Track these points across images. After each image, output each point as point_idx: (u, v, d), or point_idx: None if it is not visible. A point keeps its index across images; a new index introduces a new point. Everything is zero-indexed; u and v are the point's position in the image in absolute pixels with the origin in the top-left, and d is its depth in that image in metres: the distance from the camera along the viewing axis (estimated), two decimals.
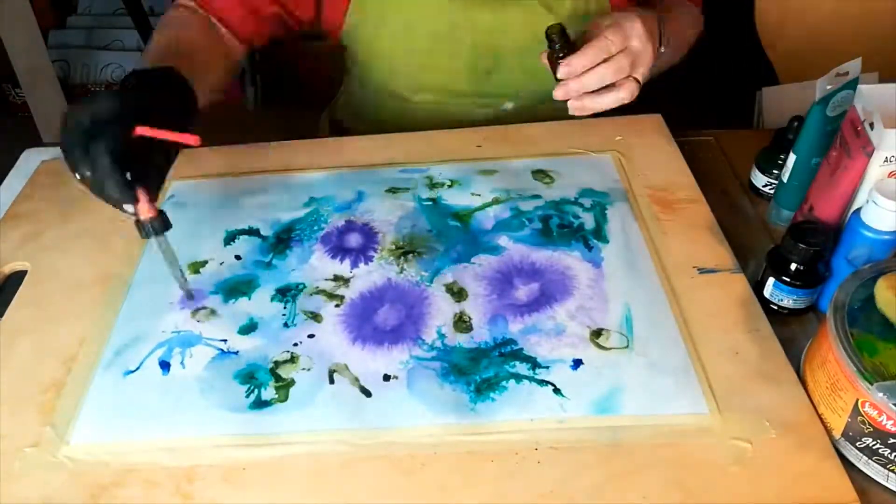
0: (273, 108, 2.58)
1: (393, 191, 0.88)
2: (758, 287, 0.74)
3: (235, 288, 0.77)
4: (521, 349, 0.69)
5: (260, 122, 2.56)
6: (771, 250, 0.74)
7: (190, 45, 0.88)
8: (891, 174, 0.69)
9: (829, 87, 0.74)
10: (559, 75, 0.80)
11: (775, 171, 0.85)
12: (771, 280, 0.73)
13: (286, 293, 0.76)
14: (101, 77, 2.61)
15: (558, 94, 0.81)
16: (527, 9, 0.94)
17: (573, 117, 0.85)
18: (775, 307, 0.74)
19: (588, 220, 0.82)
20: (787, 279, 0.72)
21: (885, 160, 0.69)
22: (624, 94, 0.81)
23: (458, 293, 0.75)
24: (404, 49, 0.99)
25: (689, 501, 0.58)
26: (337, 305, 0.75)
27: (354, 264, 0.79)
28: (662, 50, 0.84)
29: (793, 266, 0.72)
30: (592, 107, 0.82)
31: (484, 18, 0.95)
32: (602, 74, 0.79)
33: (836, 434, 0.62)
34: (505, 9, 0.95)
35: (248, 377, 0.69)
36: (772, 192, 0.86)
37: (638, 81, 0.81)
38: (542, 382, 0.66)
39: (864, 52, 0.76)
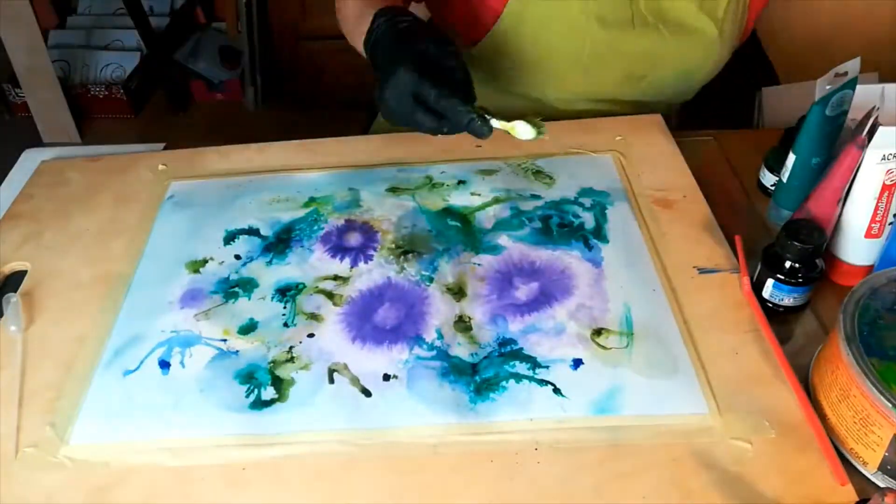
0: (273, 108, 2.58)
1: (393, 190, 0.88)
2: (755, 285, 0.75)
3: (235, 288, 0.77)
4: (521, 349, 0.69)
5: (260, 122, 2.56)
6: (766, 248, 0.74)
7: None
8: (888, 173, 0.70)
9: (828, 87, 0.74)
10: None
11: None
12: (770, 281, 0.73)
13: (286, 293, 0.76)
14: (101, 77, 2.61)
15: None
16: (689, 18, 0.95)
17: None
18: (772, 305, 0.74)
19: (588, 220, 0.82)
20: (783, 277, 0.72)
21: (883, 158, 0.69)
22: None
23: (457, 293, 0.75)
24: (566, 57, 0.97)
25: (689, 501, 0.58)
26: (336, 305, 0.75)
27: (354, 263, 0.79)
28: None
29: (788, 264, 0.72)
30: None
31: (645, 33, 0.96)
32: None
33: (872, 469, 0.60)
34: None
35: (248, 377, 0.69)
36: None
37: None
38: (542, 382, 0.66)
39: (864, 52, 0.76)
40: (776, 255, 0.72)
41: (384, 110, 0.76)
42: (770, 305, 0.74)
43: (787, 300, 0.73)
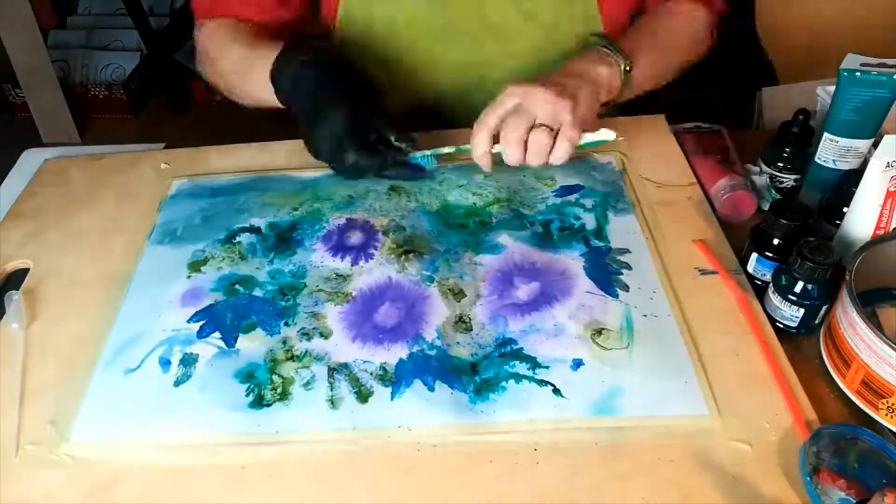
0: (273, 108, 2.58)
1: (394, 190, 0.88)
2: (742, 261, 0.77)
3: (236, 286, 0.77)
4: (521, 349, 0.69)
5: (260, 121, 2.55)
6: (754, 227, 0.76)
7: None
8: (892, 180, 0.70)
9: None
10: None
11: (780, 165, 0.85)
12: (754, 255, 0.74)
13: (287, 291, 0.76)
14: (101, 77, 2.61)
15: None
16: (508, 22, 0.95)
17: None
18: (760, 283, 0.75)
19: (589, 221, 0.82)
20: (770, 254, 0.73)
21: (888, 165, 0.69)
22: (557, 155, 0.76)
23: (458, 293, 0.75)
24: (389, 67, 0.99)
25: (688, 503, 0.58)
26: (337, 304, 0.75)
27: (355, 262, 0.79)
28: (627, 69, 0.83)
29: (775, 241, 0.73)
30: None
31: (465, 40, 0.97)
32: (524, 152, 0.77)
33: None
34: (487, 31, 0.96)
35: (248, 376, 0.69)
36: (777, 184, 0.86)
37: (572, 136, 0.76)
38: (542, 382, 0.66)
39: (864, 52, 0.76)
40: (763, 232, 0.74)
41: (316, 150, 0.79)
42: (758, 283, 0.75)
43: (769, 276, 0.73)
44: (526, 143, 0.76)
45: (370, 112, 0.79)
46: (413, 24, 0.95)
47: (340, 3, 0.96)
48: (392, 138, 0.80)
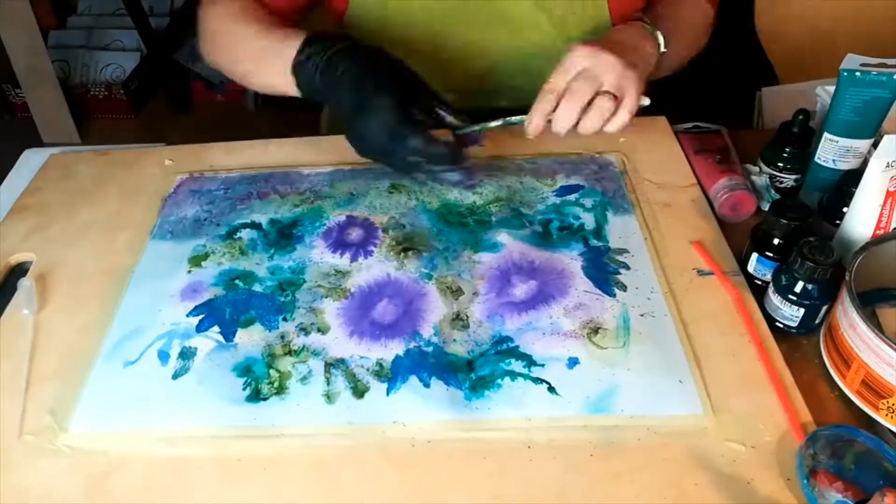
0: (272, 109, 2.58)
1: (395, 188, 0.88)
2: (742, 262, 0.77)
3: (236, 281, 0.78)
4: (518, 347, 0.69)
5: (260, 122, 2.56)
6: (754, 227, 0.76)
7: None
8: (892, 180, 0.70)
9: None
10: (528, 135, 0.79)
11: (780, 165, 0.85)
12: (754, 255, 0.74)
13: (286, 287, 0.76)
14: (101, 77, 2.61)
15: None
16: (522, 13, 0.95)
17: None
18: (760, 283, 0.75)
19: (588, 221, 0.83)
20: (770, 254, 0.73)
21: (887, 166, 0.69)
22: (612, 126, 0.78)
23: (456, 290, 0.75)
24: (404, 50, 0.98)
25: (682, 502, 0.58)
26: (335, 300, 0.75)
27: (354, 259, 0.79)
28: (663, 50, 0.85)
29: (775, 241, 0.73)
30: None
31: (477, 28, 0.96)
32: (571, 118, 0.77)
33: None
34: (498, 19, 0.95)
35: (246, 370, 0.69)
36: (777, 184, 0.86)
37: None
38: (538, 380, 0.66)
39: (864, 52, 0.76)
40: (763, 232, 0.74)
41: (364, 144, 0.78)
42: (758, 283, 0.75)
43: (769, 276, 0.73)
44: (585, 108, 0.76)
45: (417, 97, 0.78)
46: (428, 9, 0.94)
47: None
48: (444, 113, 0.80)
